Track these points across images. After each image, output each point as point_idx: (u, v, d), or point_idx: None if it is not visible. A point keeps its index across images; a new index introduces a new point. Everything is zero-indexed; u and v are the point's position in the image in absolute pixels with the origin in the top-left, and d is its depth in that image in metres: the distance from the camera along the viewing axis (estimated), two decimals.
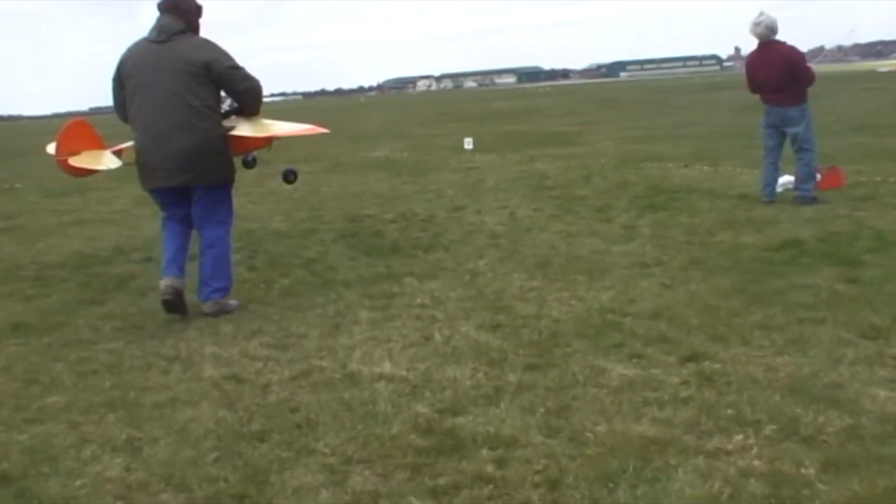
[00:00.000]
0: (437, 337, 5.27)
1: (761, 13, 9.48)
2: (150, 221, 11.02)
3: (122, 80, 5.98)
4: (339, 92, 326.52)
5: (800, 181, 9.40)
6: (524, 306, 5.88)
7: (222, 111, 6.12)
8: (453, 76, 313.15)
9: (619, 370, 4.49)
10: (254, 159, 7.33)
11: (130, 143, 6.18)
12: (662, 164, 14.23)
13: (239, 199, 7.75)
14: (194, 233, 6.26)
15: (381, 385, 4.49)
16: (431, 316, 5.78)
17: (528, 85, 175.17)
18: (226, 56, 5.89)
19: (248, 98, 6.05)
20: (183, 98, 5.71)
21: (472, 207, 10.60)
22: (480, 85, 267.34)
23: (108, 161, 6.12)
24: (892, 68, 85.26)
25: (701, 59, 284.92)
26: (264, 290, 6.81)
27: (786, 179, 9.95)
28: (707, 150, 16.79)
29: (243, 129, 6.22)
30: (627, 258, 7.23)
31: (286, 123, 6.74)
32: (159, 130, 5.79)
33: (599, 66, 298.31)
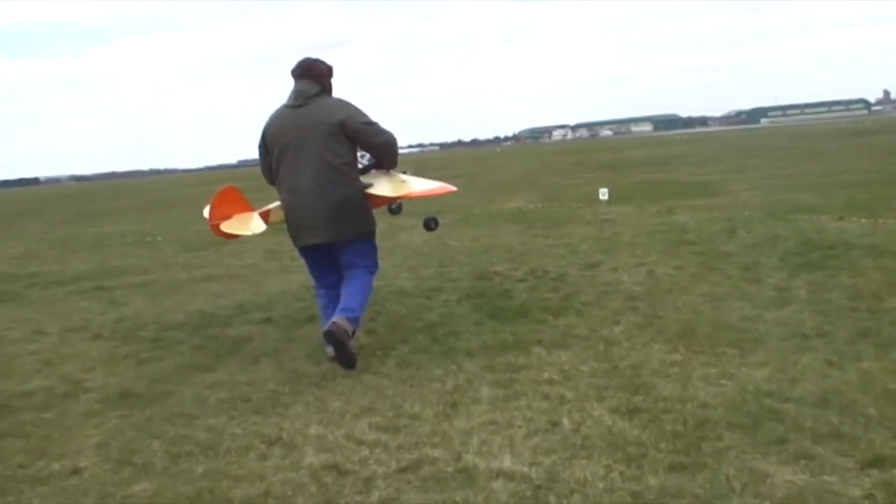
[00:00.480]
0: (566, 423, 4.63)
1: None
2: (276, 277, 10.88)
3: (268, 146, 6.31)
4: (475, 142, 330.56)
5: None
6: (666, 385, 5.18)
7: (362, 166, 6.39)
8: (589, 125, 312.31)
9: (784, 475, 3.75)
10: (399, 206, 7.45)
11: (277, 204, 6.47)
12: (813, 215, 13.16)
13: None
14: None
15: (498, 484, 3.89)
16: (560, 395, 5.14)
17: (664, 133, 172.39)
18: (359, 113, 6.11)
19: (383, 151, 6.29)
20: (322, 157, 5.98)
21: (608, 264, 9.91)
22: (616, 133, 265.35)
23: (255, 226, 6.25)
24: None
25: (847, 104, 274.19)
26: (381, 359, 6.33)
27: None
28: (863, 199, 15.54)
29: (380, 188, 6.41)
30: (783, 327, 6.41)
31: (420, 181, 6.80)
32: (303, 190, 6.06)
33: (739, 113, 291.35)
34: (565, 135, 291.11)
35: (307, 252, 6.38)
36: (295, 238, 6.34)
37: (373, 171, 6.50)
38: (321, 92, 6.18)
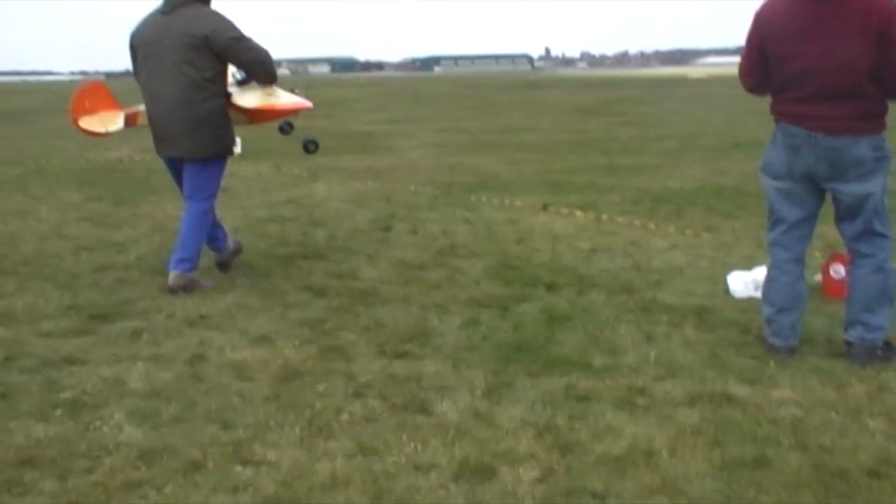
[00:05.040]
0: None
1: None
2: None
3: (134, 49, 6.03)
4: None
5: (861, 307, 4.25)
6: None
7: (239, 80, 6.11)
8: None
9: None
10: (290, 125, 7.14)
11: (143, 108, 6.18)
12: (503, 196, 9.28)
13: None
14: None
15: None
16: None
17: (342, 75, 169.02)
18: (227, 27, 5.80)
19: (253, 69, 6.01)
20: (182, 70, 5.75)
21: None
22: (293, 73, 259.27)
23: (115, 125, 6.25)
24: (703, 75, 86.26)
25: (513, 58, 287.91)
26: None
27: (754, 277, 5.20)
28: (556, 169, 12.07)
29: (243, 99, 6.08)
30: None
31: (287, 95, 6.40)
32: (162, 101, 5.86)
33: (415, 60, 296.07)
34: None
35: (167, 162, 6.14)
36: (156, 147, 6.13)
37: (252, 83, 6.13)
38: (193, 1, 5.81)
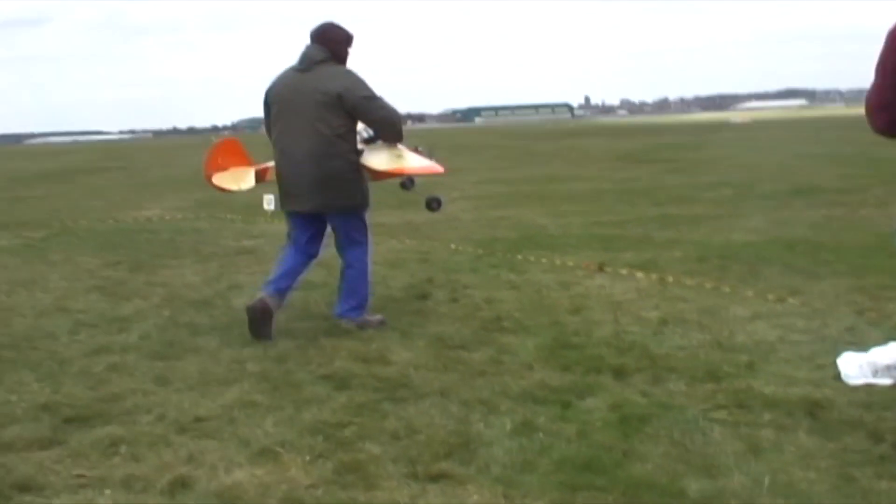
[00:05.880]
0: None
1: None
2: None
3: (268, 105, 6.15)
4: (191, 130, 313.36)
5: None
6: None
7: (366, 138, 6.15)
8: None
9: None
10: (412, 181, 6.72)
11: (272, 164, 6.26)
12: (552, 254, 8.39)
13: None
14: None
15: None
16: None
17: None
18: (360, 86, 5.88)
19: (383, 127, 6.08)
20: (315, 127, 5.83)
21: None
22: None
23: (246, 182, 6.41)
24: (745, 119, 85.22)
25: (553, 107, 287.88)
26: None
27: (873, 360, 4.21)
28: (607, 221, 11.17)
29: (373, 160, 6.13)
30: None
31: (416, 158, 6.39)
32: (293, 157, 5.96)
33: (455, 112, 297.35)
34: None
35: (291, 215, 6.17)
36: (282, 201, 6.20)
37: (379, 143, 6.18)
38: (328, 59, 5.92)
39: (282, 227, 12.37)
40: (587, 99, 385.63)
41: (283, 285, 6.00)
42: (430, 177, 6.62)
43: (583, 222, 11.34)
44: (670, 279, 7.03)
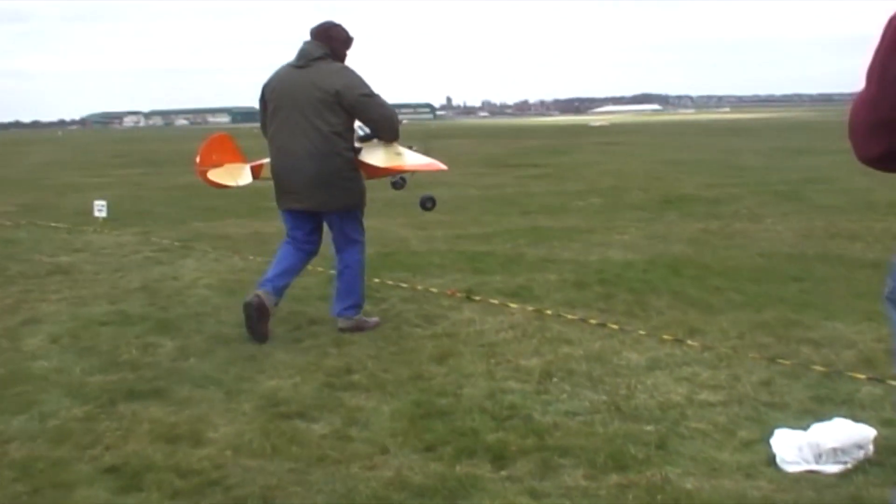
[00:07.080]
0: None
1: None
2: None
3: (265, 101, 6.07)
4: (35, 124, 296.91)
5: None
6: None
7: (361, 136, 6.05)
8: (164, 113, 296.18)
9: None
10: (403, 180, 6.69)
11: (268, 160, 6.17)
12: (413, 277, 7.35)
13: None
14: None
15: None
16: None
17: (243, 125, 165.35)
18: (359, 84, 5.83)
19: (380, 125, 6.00)
20: (313, 124, 5.76)
21: None
22: (192, 123, 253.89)
23: (243, 178, 6.31)
24: (604, 122, 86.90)
25: (415, 107, 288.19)
26: None
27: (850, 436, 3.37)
28: (474, 235, 10.24)
29: (372, 157, 6.07)
30: None
31: (415, 156, 6.35)
32: (291, 155, 5.85)
33: None
34: (138, 122, 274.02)
35: (288, 213, 6.04)
36: (278, 199, 6.06)
37: (375, 140, 6.09)
38: (326, 56, 5.85)
39: (109, 238, 10.96)
40: (449, 99, 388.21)
41: (281, 283, 5.88)
42: (416, 174, 6.51)
43: (448, 235, 10.36)
44: (548, 311, 6.11)
